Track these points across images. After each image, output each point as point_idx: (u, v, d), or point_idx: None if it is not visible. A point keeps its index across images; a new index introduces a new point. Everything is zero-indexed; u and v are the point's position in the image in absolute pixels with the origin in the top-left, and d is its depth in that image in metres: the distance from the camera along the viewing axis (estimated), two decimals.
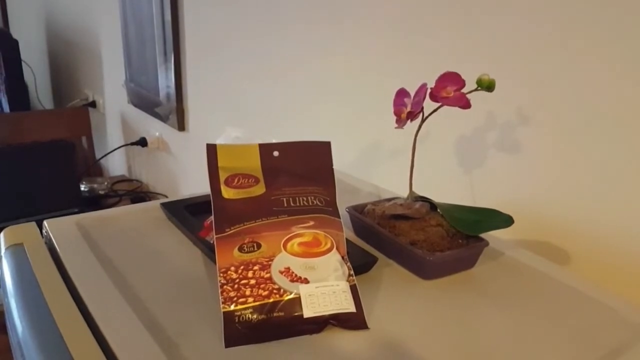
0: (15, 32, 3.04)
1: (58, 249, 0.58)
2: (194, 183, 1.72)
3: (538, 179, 0.73)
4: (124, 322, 0.45)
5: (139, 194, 2.03)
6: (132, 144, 1.99)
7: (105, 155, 2.21)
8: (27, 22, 3.20)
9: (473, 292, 0.54)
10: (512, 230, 0.60)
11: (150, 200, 1.97)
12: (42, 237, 0.62)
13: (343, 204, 0.60)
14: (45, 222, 0.63)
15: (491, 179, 0.79)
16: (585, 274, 0.69)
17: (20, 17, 3.31)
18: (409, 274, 0.57)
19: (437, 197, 0.64)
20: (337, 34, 1.02)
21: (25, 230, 0.62)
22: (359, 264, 0.54)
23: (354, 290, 0.48)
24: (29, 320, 0.47)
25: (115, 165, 2.39)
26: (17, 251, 0.58)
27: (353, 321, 0.46)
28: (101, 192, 1.99)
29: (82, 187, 1.96)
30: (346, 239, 0.52)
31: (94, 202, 1.93)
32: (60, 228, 0.62)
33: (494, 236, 0.63)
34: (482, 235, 0.59)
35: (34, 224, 0.64)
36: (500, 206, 0.65)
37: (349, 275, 0.49)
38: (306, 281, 0.47)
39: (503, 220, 0.60)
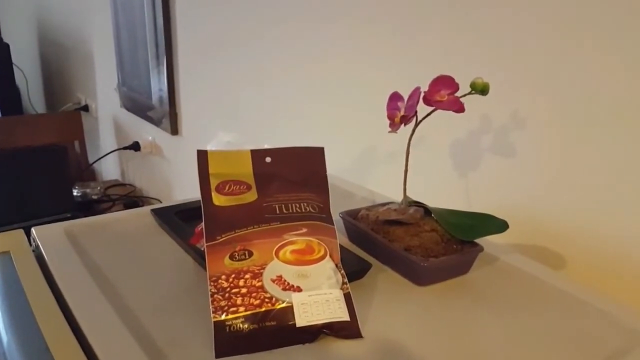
0: (6, 35, 3.02)
1: (46, 257, 0.56)
2: (188, 187, 1.70)
3: (534, 183, 0.72)
4: (112, 333, 0.44)
5: (132, 198, 2.01)
6: (125, 148, 1.98)
7: (98, 159, 2.20)
8: (18, 26, 3.18)
9: (468, 298, 0.53)
10: (507, 234, 0.59)
11: (143, 204, 1.96)
12: (30, 244, 0.61)
13: (337, 208, 0.59)
14: (33, 230, 0.62)
15: (486, 183, 0.78)
16: (581, 278, 0.68)
17: (12, 20, 3.30)
18: (403, 280, 0.56)
19: (432, 202, 0.63)
20: (330, 37, 1.01)
21: (13, 237, 0.61)
22: (353, 270, 0.54)
23: (347, 298, 0.47)
24: (15, 331, 0.46)
25: (109, 169, 2.38)
26: (3, 260, 0.56)
27: (347, 330, 0.45)
28: (94, 197, 1.98)
29: (75, 192, 1.94)
30: (340, 245, 0.52)
31: (87, 207, 1.91)
32: (49, 235, 0.61)
33: (489, 241, 0.63)
34: (477, 240, 0.59)
35: (21, 231, 0.62)
36: (496, 210, 0.64)
37: (343, 283, 0.48)
38: (299, 289, 0.46)
39: (498, 225, 0.60)
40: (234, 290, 0.46)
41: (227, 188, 0.53)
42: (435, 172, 0.85)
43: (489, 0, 0.73)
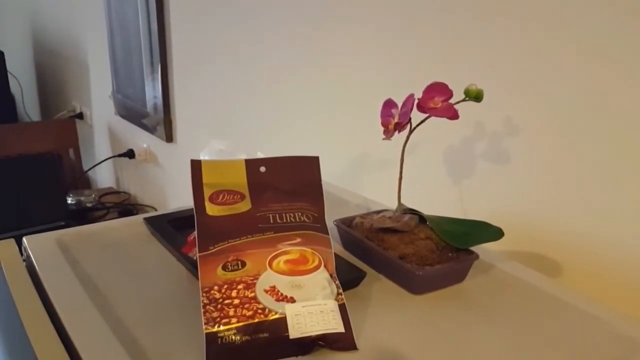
0: (0, 43, 3.02)
1: (37, 267, 0.56)
2: (184, 194, 1.70)
3: (529, 189, 0.72)
4: (103, 345, 0.44)
5: (126, 206, 2.00)
6: (120, 155, 1.97)
7: (93, 167, 2.19)
8: (13, 33, 3.18)
9: (464, 307, 0.53)
10: (503, 241, 0.59)
11: (138, 212, 1.95)
12: (22, 254, 0.60)
13: (331, 216, 0.58)
14: (24, 239, 0.61)
15: (481, 191, 0.78)
16: (578, 286, 0.68)
17: (6, 28, 3.29)
18: (398, 289, 0.56)
19: (427, 209, 0.63)
20: (325, 45, 1.01)
21: (3, 247, 0.60)
22: (347, 278, 0.53)
23: (342, 309, 0.46)
24: (4, 343, 0.45)
25: (103, 177, 2.37)
26: None
27: (342, 342, 0.45)
28: (88, 205, 1.97)
29: (69, 200, 1.93)
30: (334, 253, 0.51)
31: (81, 215, 1.90)
32: (40, 245, 0.61)
33: (485, 248, 0.62)
34: (473, 247, 0.58)
35: (12, 240, 0.62)
36: (491, 217, 0.64)
37: (338, 293, 0.47)
38: (292, 300, 0.45)
39: (493, 232, 0.59)
40: (226, 301, 0.45)
41: (220, 198, 0.52)
42: (430, 179, 0.85)
43: (483, 8, 0.73)
